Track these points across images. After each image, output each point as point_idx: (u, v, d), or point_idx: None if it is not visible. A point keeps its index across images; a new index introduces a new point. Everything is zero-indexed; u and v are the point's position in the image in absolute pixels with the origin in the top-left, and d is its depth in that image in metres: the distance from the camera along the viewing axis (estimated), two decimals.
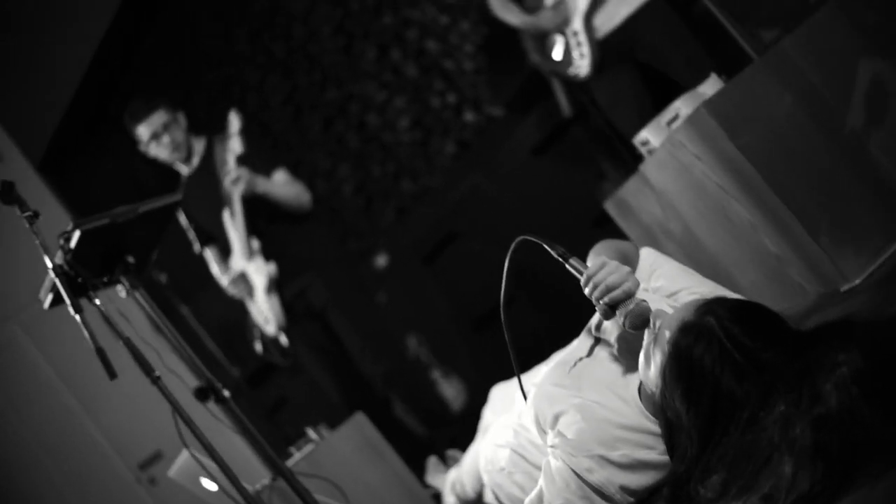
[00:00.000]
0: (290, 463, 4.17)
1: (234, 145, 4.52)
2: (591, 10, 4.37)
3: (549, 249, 2.49)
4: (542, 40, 4.59)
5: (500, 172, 5.76)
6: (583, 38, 4.41)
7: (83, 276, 3.71)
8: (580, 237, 3.06)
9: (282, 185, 4.77)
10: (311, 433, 4.56)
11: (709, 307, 2.14)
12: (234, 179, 4.53)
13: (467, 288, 6.18)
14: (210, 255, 5.14)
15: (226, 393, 3.79)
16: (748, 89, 3.12)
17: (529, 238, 2.49)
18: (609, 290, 2.38)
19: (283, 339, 4.90)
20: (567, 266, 2.49)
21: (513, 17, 4.63)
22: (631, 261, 2.70)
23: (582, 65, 4.46)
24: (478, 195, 5.89)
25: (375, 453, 4.53)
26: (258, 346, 4.97)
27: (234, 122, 4.49)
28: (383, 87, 6.66)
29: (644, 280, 2.64)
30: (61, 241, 3.77)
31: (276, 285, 4.76)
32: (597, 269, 2.41)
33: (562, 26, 4.43)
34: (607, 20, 4.40)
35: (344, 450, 4.47)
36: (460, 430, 4.97)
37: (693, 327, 2.12)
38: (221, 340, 6.66)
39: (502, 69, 5.61)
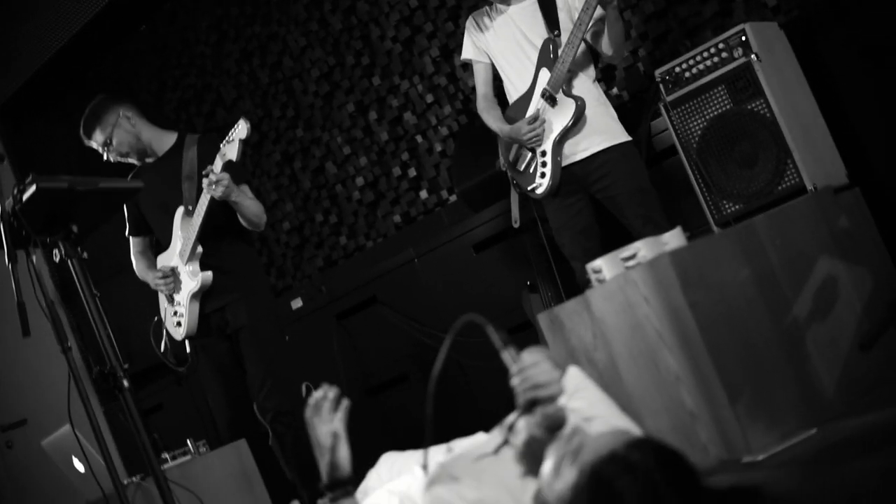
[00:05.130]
0: (163, 468, 4.15)
1: (231, 151, 4.49)
2: (563, 135, 4.52)
3: (490, 334, 2.57)
4: (512, 148, 4.73)
5: (436, 255, 5.84)
6: (549, 159, 4.55)
7: (27, 229, 3.71)
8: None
9: (250, 198, 4.79)
10: (190, 445, 4.56)
11: (640, 445, 2.17)
12: (217, 181, 4.53)
13: (371, 354, 6.23)
14: (134, 244, 5.13)
15: (125, 383, 3.81)
16: (713, 252, 3.27)
17: (475, 319, 2.56)
18: (536, 387, 2.51)
19: (187, 347, 4.89)
20: (503, 353, 2.59)
21: (493, 121, 4.76)
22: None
23: (542, 183, 4.60)
24: (408, 270, 5.96)
25: (247, 483, 4.54)
26: (161, 346, 4.94)
27: (243, 129, 4.47)
28: (350, 142, 6.76)
29: (566, 396, 2.72)
30: (14, 191, 3.77)
31: (202, 295, 4.76)
32: (531, 363, 2.53)
33: (533, 145, 4.57)
34: (576, 150, 4.55)
35: (218, 471, 4.48)
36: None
37: (621, 460, 2.13)
38: (116, 332, 6.60)
39: (469, 161, 5.73)
